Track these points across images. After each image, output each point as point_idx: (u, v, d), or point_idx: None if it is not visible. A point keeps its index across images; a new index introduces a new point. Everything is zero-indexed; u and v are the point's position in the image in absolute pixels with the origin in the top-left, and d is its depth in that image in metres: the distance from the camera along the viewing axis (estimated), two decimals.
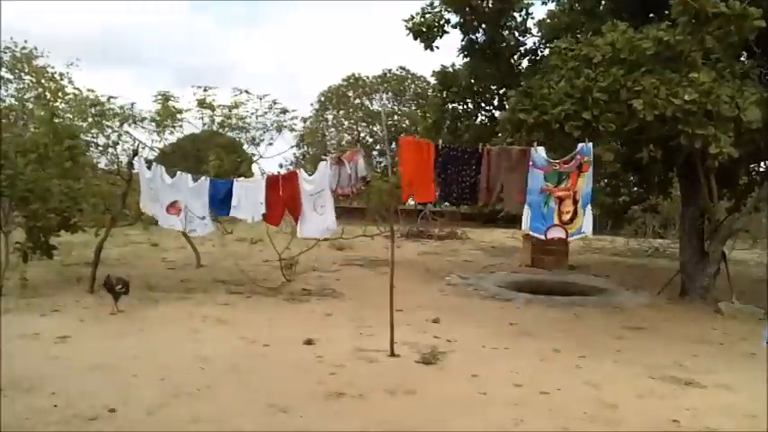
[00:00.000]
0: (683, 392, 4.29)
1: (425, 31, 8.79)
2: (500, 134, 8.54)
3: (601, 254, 15.06)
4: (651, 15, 8.73)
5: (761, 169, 10.18)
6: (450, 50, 10.74)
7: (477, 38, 9.75)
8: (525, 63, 10.33)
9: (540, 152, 5.37)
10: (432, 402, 3.85)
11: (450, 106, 11.06)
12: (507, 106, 9.67)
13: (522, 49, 10.27)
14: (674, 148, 7.11)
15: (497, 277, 9.77)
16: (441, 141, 6.13)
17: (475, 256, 13.38)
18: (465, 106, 11.11)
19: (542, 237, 5.46)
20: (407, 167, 5.52)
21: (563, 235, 5.43)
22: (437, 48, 9.06)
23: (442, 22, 8.86)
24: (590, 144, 5.39)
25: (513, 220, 21.05)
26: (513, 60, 10.19)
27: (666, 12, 7.96)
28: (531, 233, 5.58)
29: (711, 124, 5.94)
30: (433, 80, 11.03)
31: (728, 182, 9.63)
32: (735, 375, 4.77)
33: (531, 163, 5.35)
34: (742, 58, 7.36)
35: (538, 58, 10.09)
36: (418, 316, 6.42)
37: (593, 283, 9.65)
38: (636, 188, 12.49)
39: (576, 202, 5.27)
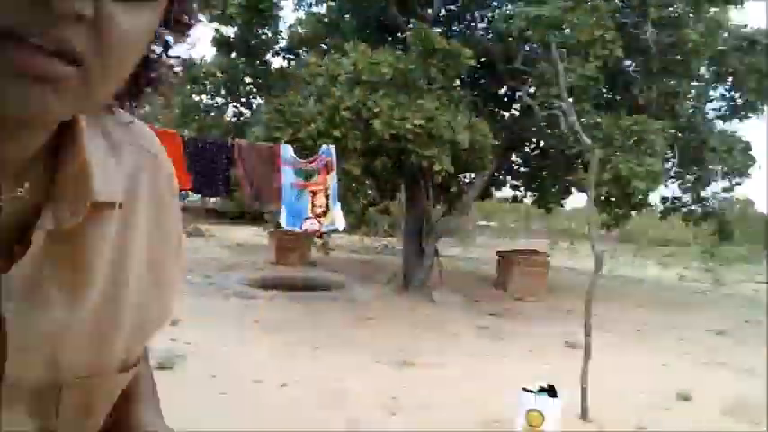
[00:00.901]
0: (402, 372, 4.93)
1: None
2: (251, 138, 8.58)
3: (339, 251, 16.13)
4: (388, 36, 9.74)
5: (467, 180, 12.14)
6: (203, 40, 10.37)
7: (228, 33, 9.60)
8: (278, 61, 10.54)
9: (287, 150, 5.57)
10: (166, 411, 3.70)
11: (197, 98, 10.68)
12: (255, 108, 9.81)
13: (276, 47, 10.45)
14: (405, 161, 8.05)
15: (242, 275, 9.76)
16: (186, 132, 5.90)
17: (220, 253, 13.11)
18: (214, 100, 10.85)
19: (299, 230, 5.66)
20: None
21: (317, 227, 5.70)
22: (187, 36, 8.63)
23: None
24: (331, 146, 5.78)
25: (262, 218, 21.17)
26: (265, 59, 10.30)
27: (399, 35, 9.01)
28: (288, 227, 5.72)
29: (434, 146, 6.84)
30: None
31: (443, 189, 11.27)
32: (445, 354, 5.65)
33: (281, 160, 5.51)
34: (457, 85, 8.68)
35: (290, 60, 10.39)
36: (158, 327, 6.05)
37: (331, 278, 10.32)
38: (371, 192, 13.74)
39: (327, 197, 5.60)
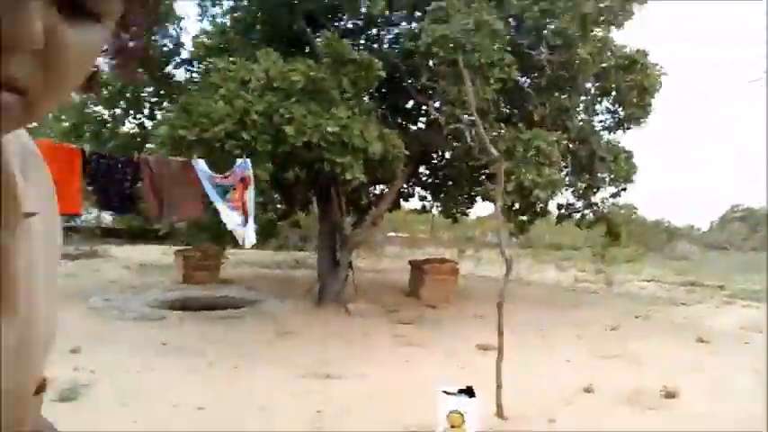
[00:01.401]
0: (325, 385, 4.92)
1: None
2: (153, 146, 8.23)
3: (250, 267, 15.76)
4: (296, 49, 9.73)
5: (377, 192, 12.34)
6: None
7: (127, 41, 9.16)
8: (181, 74, 10.18)
9: (201, 164, 5.42)
10: None
11: (92, 109, 10.10)
12: (159, 116, 9.41)
13: (177, 58, 10.10)
14: (317, 171, 8.06)
15: (147, 296, 9.27)
16: (88, 147, 5.58)
17: (122, 275, 12.38)
18: (111, 111, 10.29)
19: (248, 230, 5.47)
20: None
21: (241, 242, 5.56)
22: None
23: None
24: (248, 160, 5.70)
25: (165, 237, 20.22)
26: (167, 70, 9.93)
27: (309, 49, 9.04)
28: (238, 231, 5.50)
29: (347, 154, 6.92)
30: None
31: (354, 201, 11.39)
32: (365, 364, 5.70)
33: (198, 174, 5.35)
34: (366, 99, 8.84)
35: (194, 70, 10.08)
36: (54, 347, 5.63)
37: (244, 295, 10.06)
38: (281, 205, 13.58)
39: (246, 213, 5.48)
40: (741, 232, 40.52)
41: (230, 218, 5.41)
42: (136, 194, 5.37)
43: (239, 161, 5.62)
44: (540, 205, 8.19)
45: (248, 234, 5.62)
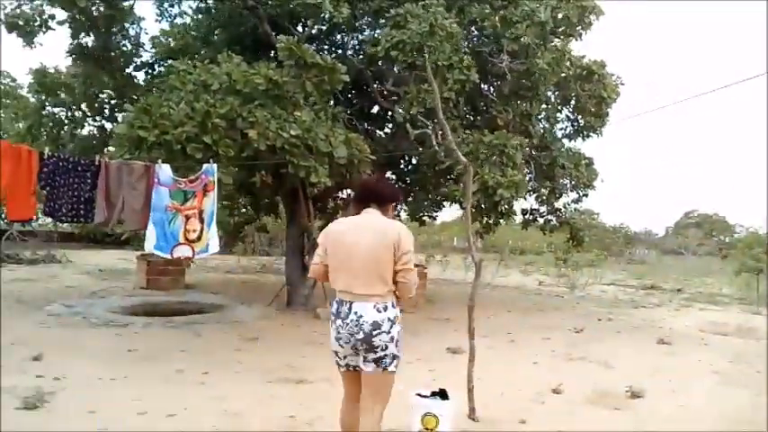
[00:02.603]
0: (295, 390, 4.88)
1: (23, 25, 7.57)
2: (113, 148, 8.02)
3: (216, 272, 15.52)
4: (260, 52, 9.65)
5: (343, 196, 12.31)
6: (57, 49, 9.54)
7: (87, 42, 8.94)
8: (141, 76, 9.98)
9: (165, 169, 5.32)
10: None
11: (50, 111, 9.81)
12: (120, 120, 9.18)
13: (138, 60, 9.91)
14: (283, 174, 7.99)
15: (110, 302, 9.04)
16: (47, 150, 5.41)
17: (81, 280, 12.01)
18: (70, 113, 10.02)
19: (168, 256, 5.39)
20: (3, 178, 4.68)
21: (189, 254, 5.48)
22: (40, 45, 7.92)
23: (45, 17, 7.78)
24: (214, 165, 5.62)
25: (125, 242, 19.76)
26: (127, 71, 9.72)
27: (274, 52, 8.98)
28: (155, 252, 5.40)
29: (312, 157, 6.87)
30: (29, 79, 9.55)
31: (321, 205, 11.34)
32: (334, 369, 5.64)
33: (156, 180, 5.24)
34: (331, 103, 8.84)
35: (155, 72, 9.89)
36: (14, 354, 5.45)
37: (210, 300, 9.90)
38: (246, 209, 13.42)
39: (202, 221, 5.41)
40: (696, 237, 42.02)
41: (151, 237, 5.30)
42: (93, 201, 5.23)
43: (205, 166, 5.54)
44: (505, 206, 8.34)
45: (211, 241, 5.56)
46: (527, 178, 10.42)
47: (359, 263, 2.89)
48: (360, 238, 2.93)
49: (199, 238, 5.44)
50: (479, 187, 7.88)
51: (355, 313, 2.88)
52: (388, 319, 2.90)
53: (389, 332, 2.90)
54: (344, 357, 3.03)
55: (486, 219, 9.16)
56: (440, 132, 5.70)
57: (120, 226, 5.81)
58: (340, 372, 3.14)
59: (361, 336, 2.87)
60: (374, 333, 2.87)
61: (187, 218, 5.36)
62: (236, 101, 6.46)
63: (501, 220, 9.61)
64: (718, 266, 27.65)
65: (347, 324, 2.89)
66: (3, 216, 16.07)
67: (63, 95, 9.58)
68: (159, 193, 5.26)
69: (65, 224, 22.38)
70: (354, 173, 8.00)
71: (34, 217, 5.55)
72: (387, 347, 2.91)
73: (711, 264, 30.55)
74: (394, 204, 3.22)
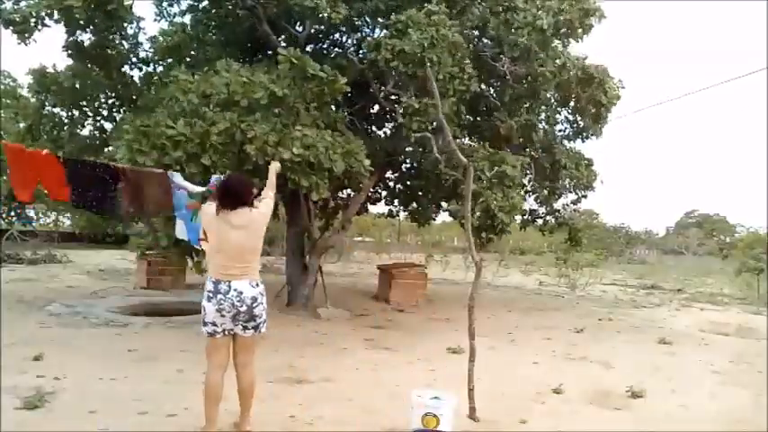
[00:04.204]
0: (295, 390, 4.88)
1: (20, 22, 7.54)
2: (113, 148, 8.02)
3: None
4: (259, 52, 9.64)
5: (343, 196, 12.31)
6: (55, 49, 9.52)
7: (83, 39, 8.91)
8: (138, 75, 9.94)
9: (177, 176, 5.33)
10: None
11: (49, 111, 9.79)
12: (119, 121, 9.15)
13: (134, 59, 9.87)
14: (283, 187, 7.90)
15: (110, 302, 9.04)
16: (62, 154, 5.39)
17: (81, 280, 12.01)
18: (69, 113, 10.00)
19: (197, 246, 5.41)
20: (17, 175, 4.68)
21: None
22: (35, 41, 7.87)
23: (42, 14, 7.73)
24: (222, 176, 5.59)
25: (124, 241, 19.74)
26: (124, 70, 9.69)
27: (271, 53, 8.94)
28: (185, 239, 5.43)
29: (313, 173, 6.79)
30: (29, 79, 9.54)
31: (321, 206, 11.34)
32: (336, 368, 5.68)
33: (172, 184, 5.26)
34: (332, 108, 8.75)
35: (152, 71, 9.86)
36: (15, 354, 5.45)
37: None
38: None
39: None
40: (696, 237, 42.02)
41: (180, 229, 5.35)
42: (115, 199, 5.23)
43: (214, 177, 5.55)
44: (501, 226, 8.33)
45: None
46: (527, 179, 10.44)
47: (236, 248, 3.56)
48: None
49: None
50: (482, 210, 7.89)
51: (235, 290, 3.50)
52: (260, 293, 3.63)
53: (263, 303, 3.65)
54: (221, 325, 3.56)
55: (483, 234, 9.13)
56: (448, 139, 5.64)
57: (141, 216, 5.79)
58: (214, 340, 3.64)
59: (243, 308, 3.52)
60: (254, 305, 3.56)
61: None
62: (234, 113, 6.38)
63: (497, 236, 9.61)
64: (718, 266, 27.67)
65: (228, 298, 3.50)
66: (3, 216, 16.08)
67: (61, 95, 9.56)
68: (177, 196, 5.28)
69: (66, 224, 22.36)
70: (353, 182, 7.97)
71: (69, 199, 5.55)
72: (262, 315, 3.64)
73: (712, 264, 30.58)
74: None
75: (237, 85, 6.46)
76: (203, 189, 5.40)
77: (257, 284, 3.59)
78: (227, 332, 3.59)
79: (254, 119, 6.46)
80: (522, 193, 9.33)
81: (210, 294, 3.51)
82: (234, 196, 3.59)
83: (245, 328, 3.58)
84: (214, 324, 3.55)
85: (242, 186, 3.69)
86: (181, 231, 5.40)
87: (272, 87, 6.50)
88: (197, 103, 6.46)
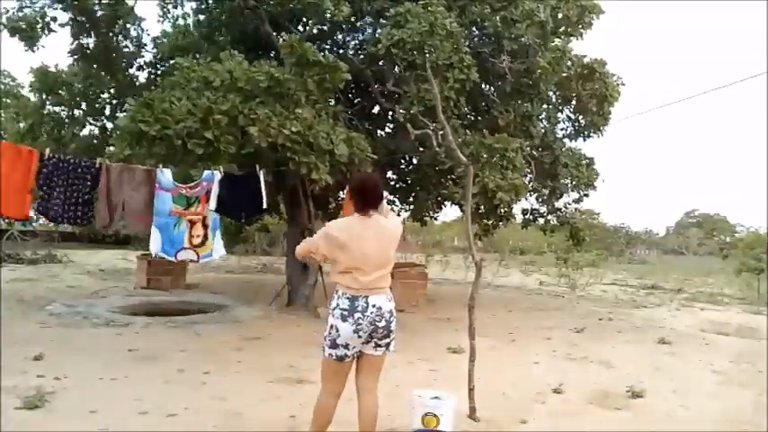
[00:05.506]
0: (296, 390, 4.88)
1: (26, 29, 7.55)
2: (114, 146, 8.02)
3: (216, 272, 15.53)
4: (262, 52, 9.64)
5: (342, 195, 12.32)
6: (58, 48, 9.55)
7: (88, 42, 8.94)
8: (143, 76, 9.98)
9: (166, 174, 5.32)
10: None
11: (51, 110, 9.82)
12: (124, 114, 9.18)
13: (139, 61, 9.91)
14: (284, 173, 7.97)
15: (110, 302, 9.05)
16: (48, 150, 5.40)
17: (81, 280, 12.03)
18: (71, 113, 10.03)
19: (173, 259, 5.40)
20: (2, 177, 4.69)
21: (194, 257, 5.50)
22: (43, 47, 7.90)
23: (47, 20, 7.76)
24: (216, 172, 5.60)
25: (125, 241, 19.76)
26: (129, 72, 9.73)
27: (275, 52, 8.96)
28: (160, 255, 5.42)
29: (313, 154, 6.85)
30: (30, 78, 9.57)
31: (322, 206, 11.35)
32: None
33: (157, 185, 5.24)
34: (332, 102, 8.82)
35: (157, 73, 9.89)
36: (15, 354, 5.45)
37: (211, 300, 9.92)
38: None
39: (206, 227, 5.40)
40: (697, 237, 42.01)
41: (155, 241, 5.31)
42: (92, 203, 5.23)
43: (206, 173, 5.53)
44: (504, 209, 8.31)
45: (216, 245, 5.57)
46: (528, 178, 10.43)
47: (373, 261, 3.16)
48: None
49: (203, 244, 5.45)
50: (479, 190, 7.86)
51: (374, 306, 3.14)
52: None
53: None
54: (353, 348, 3.22)
55: (485, 221, 9.14)
56: (440, 133, 5.66)
57: (122, 227, 5.82)
58: (341, 365, 3.31)
59: (383, 324, 3.17)
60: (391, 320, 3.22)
61: (191, 223, 5.37)
62: (237, 98, 6.42)
63: (500, 223, 9.60)
64: (718, 266, 27.66)
65: (367, 316, 3.13)
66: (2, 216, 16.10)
67: (64, 94, 9.59)
68: (161, 198, 5.27)
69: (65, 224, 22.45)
70: (354, 172, 7.97)
71: (28, 215, 5.51)
72: (395, 331, 3.30)
73: (712, 263, 30.58)
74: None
75: (240, 71, 6.49)
76: (193, 193, 5.42)
77: (391, 299, 3.26)
78: (355, 355, 3.27)
79: (255, 103, 6.47)
80: (526, 180, 9.27)
81: (346, 313, 3.12)
82: (378, 198, 3.21)
83: (377, 345, 3.23)
84: (346, 347, 3.19)
85: (380, 186, 3.31)
86: (155, 243, 5.31)
87: (274, 72, 6.52)
88: (199, 88, 6.48)
